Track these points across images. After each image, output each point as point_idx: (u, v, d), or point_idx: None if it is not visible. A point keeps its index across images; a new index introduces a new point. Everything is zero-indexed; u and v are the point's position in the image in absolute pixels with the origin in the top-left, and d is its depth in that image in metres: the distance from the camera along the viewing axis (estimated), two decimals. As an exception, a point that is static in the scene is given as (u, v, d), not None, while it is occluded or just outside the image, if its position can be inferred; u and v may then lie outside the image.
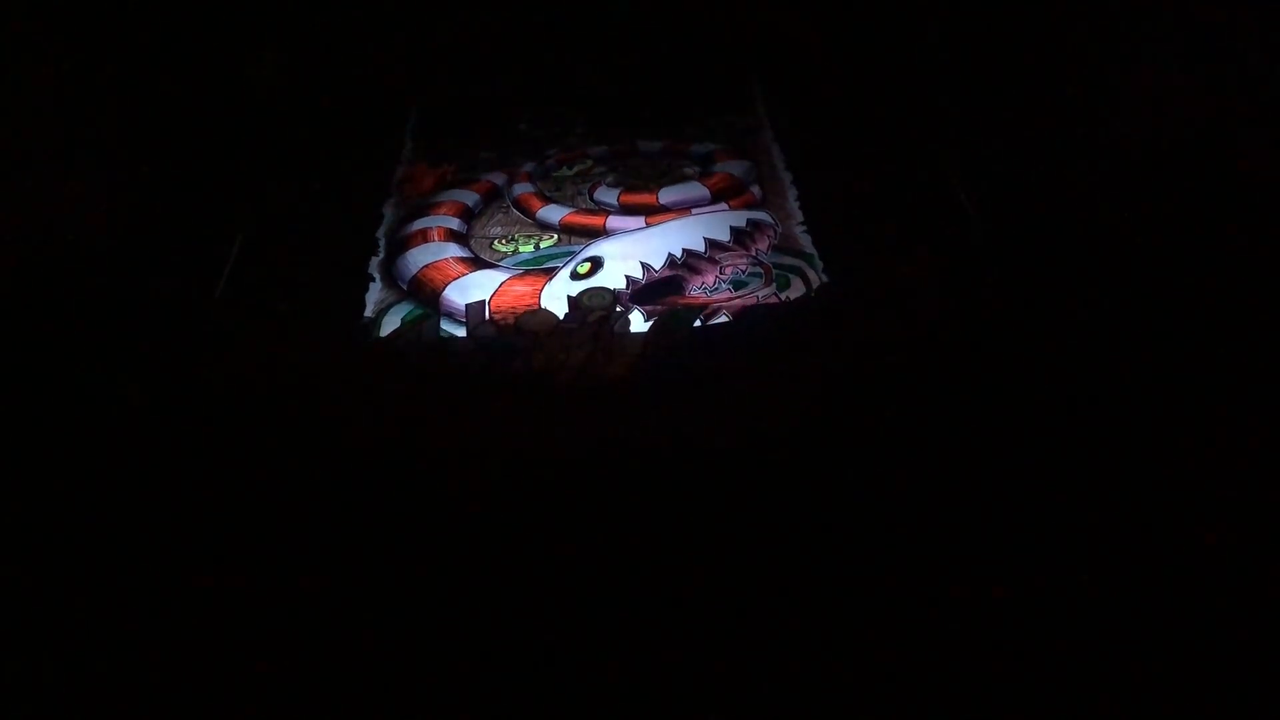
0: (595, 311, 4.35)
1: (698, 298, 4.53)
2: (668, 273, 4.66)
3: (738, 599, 3.04)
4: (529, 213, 5.33)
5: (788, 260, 4.75)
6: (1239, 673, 2.69)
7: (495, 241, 5.12)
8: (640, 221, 5.16)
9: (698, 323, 4.34)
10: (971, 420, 3.56)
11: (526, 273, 4.80)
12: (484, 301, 4.51)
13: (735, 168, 5.52)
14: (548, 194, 5.47)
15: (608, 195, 5.44)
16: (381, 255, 4.98)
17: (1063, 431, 3.46)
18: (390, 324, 4.52)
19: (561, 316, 4.37)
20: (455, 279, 4.73)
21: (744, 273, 4.66)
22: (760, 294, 4.52)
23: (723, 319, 4.37)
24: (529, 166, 5.70)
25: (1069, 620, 2.87)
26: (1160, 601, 2.89)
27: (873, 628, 2.93)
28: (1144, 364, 3.69)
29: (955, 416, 3.58)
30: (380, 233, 5.14)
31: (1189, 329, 3.78)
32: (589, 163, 5.77)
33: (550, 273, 4.75)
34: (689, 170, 5.60)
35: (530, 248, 5.05)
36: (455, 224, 5.21)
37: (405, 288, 4.75)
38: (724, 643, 2.92)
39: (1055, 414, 3.53)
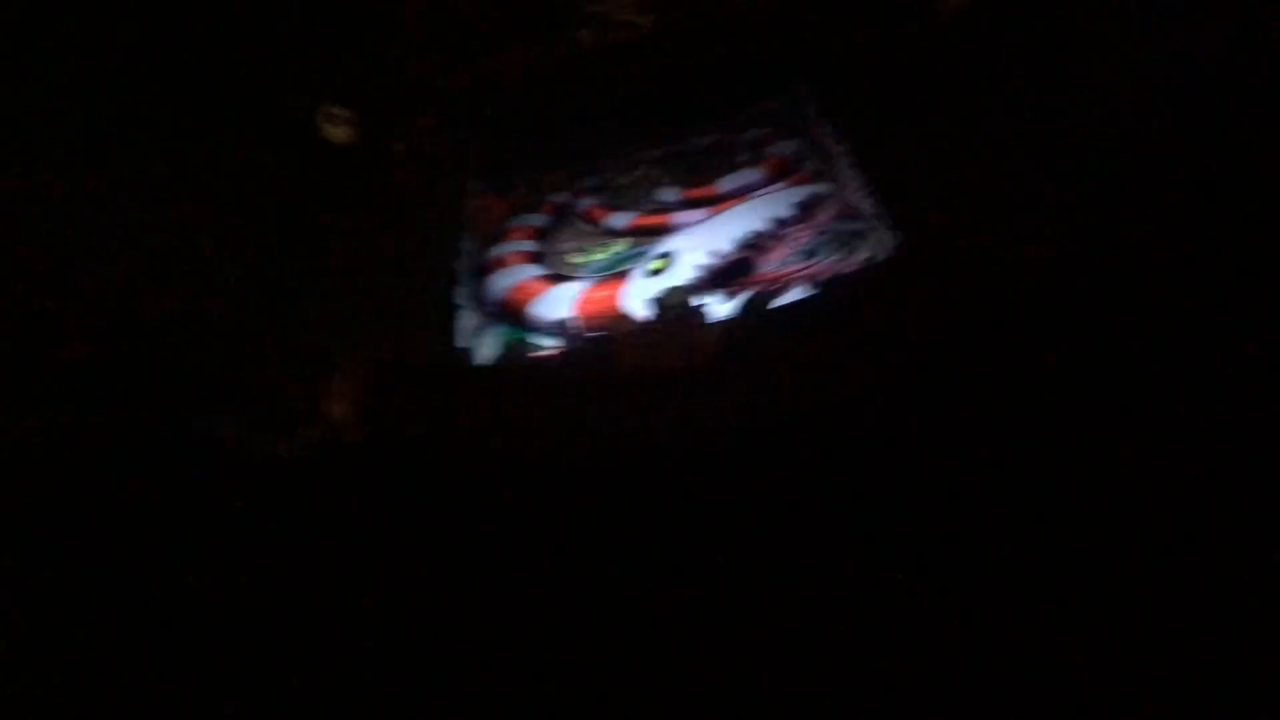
0: (674, 308, 4.48)
1: (772, 273, 4.66)
2: (738, 256, 4.80)
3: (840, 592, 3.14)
4: (596, 223, 5.56)
5: (853, 226, 4.83)
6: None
7: (569, 255, 5.35)
8: (703, 214, 5.32)
9: (775, 303, 4.44)
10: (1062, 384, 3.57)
11: (604, 279, 5.02)
12: (569, 317, 4.73)
13: (786, 148, 5.63)
14: (611, 203, 5.68)
15: (668, 194, 5.61)
16: (465, 284, 5.24)
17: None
18: (484, 347, 4.77)
19: (643, 318, 4.53)
20: (538, 295, 4.97)
21: (812, 244, 4.77)
22: (831, 260, 4.62)
23: (801, 288, 4.48)
24: (590, 181, 5.92)
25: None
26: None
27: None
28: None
29: (1045, 380, 3.59)
30: (461, 264, 5.40)
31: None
32: (646, 167, 5.94)
33: (626, 275, 4.95)
34: (742, 158, 5.73)
35: (603, 255, 5.26)
36: (530, 246, 5.47)
37: (493, 311, 5.00)
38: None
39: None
